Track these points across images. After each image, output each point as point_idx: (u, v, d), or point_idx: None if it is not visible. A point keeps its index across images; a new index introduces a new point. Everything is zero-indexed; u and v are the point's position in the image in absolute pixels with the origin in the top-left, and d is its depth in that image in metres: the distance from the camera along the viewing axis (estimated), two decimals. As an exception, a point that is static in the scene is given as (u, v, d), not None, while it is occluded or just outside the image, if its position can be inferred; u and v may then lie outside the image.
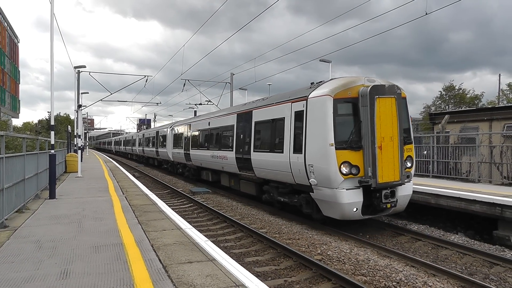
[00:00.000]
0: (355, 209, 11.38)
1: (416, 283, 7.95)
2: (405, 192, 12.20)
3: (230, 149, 18.68)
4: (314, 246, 10.60)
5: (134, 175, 26.66)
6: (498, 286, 8.29)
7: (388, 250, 10.33)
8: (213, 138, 21.78)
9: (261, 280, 6.09)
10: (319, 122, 11.79)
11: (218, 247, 7.71)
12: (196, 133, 25.05)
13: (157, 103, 50.77)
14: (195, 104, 43.49)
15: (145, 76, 32.08)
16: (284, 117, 13.77)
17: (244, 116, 17.45)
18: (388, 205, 11.67)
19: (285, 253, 9.87)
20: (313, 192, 12.33)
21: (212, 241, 8.43)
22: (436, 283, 8.01)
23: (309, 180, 12.18)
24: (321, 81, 13.05)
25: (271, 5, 17.83)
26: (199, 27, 45.29)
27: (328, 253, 9.99)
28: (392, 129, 11.51)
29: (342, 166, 11.22)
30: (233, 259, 6.93)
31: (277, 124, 14.28)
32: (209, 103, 38.81)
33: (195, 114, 46.36)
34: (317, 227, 12.95)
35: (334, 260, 9.45)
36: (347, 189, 11.28)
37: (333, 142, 11.27)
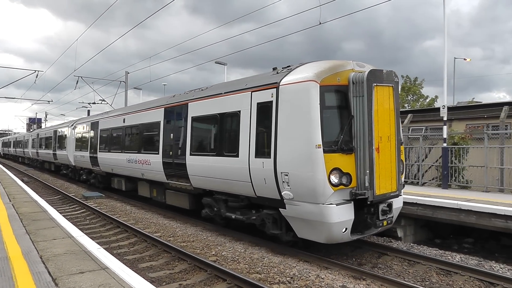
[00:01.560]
0: (344, 230, 8.71)
1: (309, 276, 8.30)
2: (397, 204, 9.80)
3: (154, 152, 15.14)
4: (209, 248, 10.69)
5: (23, 180, 24.49)
6: (385, 273, 8.86)
7: (281, 248, 10.33)
8: (131, 138, 18.08)
9: (156, 286, 6.31)
10: (300, 116, 8.93)
11: (112, 254, 7.65)
12: (107, 132, 20.83)
13: (49, 101, 48.05)
14: (89, 103, 41.54)
15: (35, 71, 29.27)
16: (239, 111, 10.70)
17: (176, 111, 14.07)
18: (385, 223, 9.17)
19: (180, 256, 9.78)
20: (284, 208, 9.44)
21: (105, 249, 8.27)
22: (328, 275, 8.40)
23: (280, 192, 9.30)
24: (289, 66, 10.20)
25: (168, 3, 16.55)
26: (94, 20, 41.25)
27: (223, 253, 10.13)
28: (390, 126, 9.04)
29: (331, 174, 8.47)
30: (127, 266, 6.83)
31: (227, 120, 11.26)
32: (103, 102, 36.13)
33: (88, 114, 43.97)
34: (211, 228, 12.85)
35: (229, 260, 9.59)
36: (337, 205, 8.55)
37: (321, 143, 8.46)
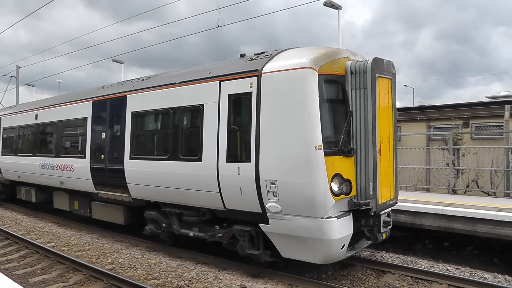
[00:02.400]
0: (342, 247, 7.39)
1: (208, 278, 8.37)
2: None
3: (79, 155, 12.67)
4: (105, 256, 10.36)
5: None
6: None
7: (179, 251, 10.32)
8: (46, 139, 15.22)
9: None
10: (292, 111, 7.40)
11: None
12: (12, 132, 17.52)
13: None
14: (-25, 100, 36.66)
15: None
16: (201, 105, 8.83)
17: (109, 104, 11.64)
18: (384, 235, 8.01)
19: (75, 266, 9.34)
20: (267, 224, 7.87)
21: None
22: (226, 275, 8.48)
23: (263, 204, 7.73)
24: (263, 52, 8.69)
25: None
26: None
27: (120, 260, 9.91)
28: (389, 124, 7.91)
29: (332, 181, 7.09)
30: (16, 282, 5.91)
31: (184, 116, 9.37)
32: (-9, 98, 31.95)
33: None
34: (108, 235, 12.40)
35: (126, 267, 9.38)
36: (337, 218, 7.19)
37: (321, 144, 7.03)
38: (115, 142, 11.28)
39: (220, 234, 8.86)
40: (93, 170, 11.94)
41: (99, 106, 12.10)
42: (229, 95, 8.31)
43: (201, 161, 8.65)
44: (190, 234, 9.45)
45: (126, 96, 10.97)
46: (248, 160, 7.85)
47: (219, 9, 14.84)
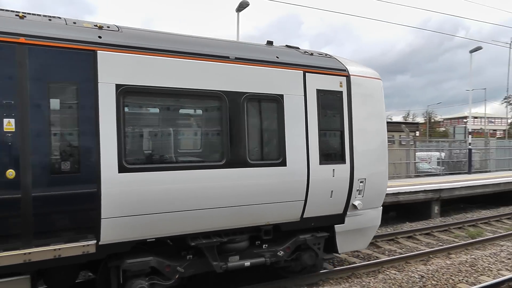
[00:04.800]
0: None
1: None
2: None
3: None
4: None
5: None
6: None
7: None
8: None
9: None
10: (376, 114, 8.48)
11: None
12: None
13: None
14: None
15: None
16: (280, 95, 7.29)
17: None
18: None
19: None
20: (342, 223, 8.14)
21: None
22: None
23: (348, 204, 8.08)
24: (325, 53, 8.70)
25: None
26: None
27: None
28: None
29: None
30: None
31: (252, 107, 7.16)
32: None
33: None
34: None
35: None
36: None
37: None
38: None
39: (283, 252, 7.65)
40: None
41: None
42: (318, 90, 7.69)
43: (286, 166, 7.26)
44: (246, 264, 7.25)
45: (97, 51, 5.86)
46: (343, 161, 7.88)
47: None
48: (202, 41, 7.20)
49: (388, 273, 9.06)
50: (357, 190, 8.04)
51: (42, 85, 5.50)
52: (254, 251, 7.49)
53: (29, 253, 5.48)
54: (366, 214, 8.27)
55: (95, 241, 5.89)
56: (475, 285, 8.02)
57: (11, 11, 5.92)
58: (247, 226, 7.20)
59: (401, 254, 10.51)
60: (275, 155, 7.27)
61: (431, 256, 10.44)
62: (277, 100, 7.29)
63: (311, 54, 8.19)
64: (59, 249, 5.67)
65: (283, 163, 7.24)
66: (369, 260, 9.87)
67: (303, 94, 7.54)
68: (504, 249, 10.98)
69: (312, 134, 7.58)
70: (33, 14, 6.04)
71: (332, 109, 7.96)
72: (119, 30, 6.38)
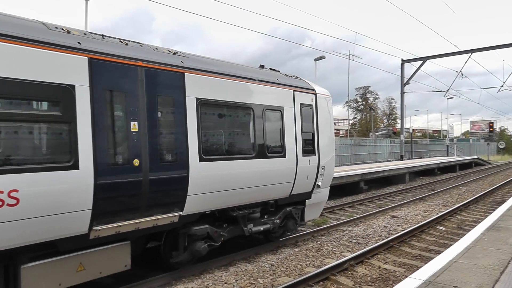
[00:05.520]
0: None
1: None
2: None
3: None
4: None
5: None
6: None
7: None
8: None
9: None
10: (329, 122, 12.15)
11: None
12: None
13: None
14: None
15: None
16: (282, 107, 10.33)
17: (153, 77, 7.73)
18: None
19: None
20: (310, 198, 11.52)
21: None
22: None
23: (315, 184, 11.44)
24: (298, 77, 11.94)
25: None
26: None
27: None
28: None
29: None
30: None
31: (267, 116, 10.01)
32: None
33: None
34: None
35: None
36: None
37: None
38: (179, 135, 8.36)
39: (278, 220, 10.55)
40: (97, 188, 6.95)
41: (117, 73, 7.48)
42: (301, 104, 10.90)
43: (285, 157, 10.28)
44: (261, 229, 10.05)
45: (184, 73, 8.13)
46: (314, 154, 11.26)
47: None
48: (236, 65, 10.07)
49: (239, 265, 9.40)
50: (320, 174, 11.46)
51: (154, 97, 7.41)
52: (262, 220, 10.19)
53: (140, 222, 7.24)
54: (322, 191, 11.90)
55: (180, 213, 7.92)
56: (321, 267, 9.00)
57: (115, 38, 7.60)
58: (261, 201, 9.95)
59: (251, 247, 10.56)
60: (279, 150, 10.20)
61: (280, 246, 11.07)
62: (281, 111, 10.26)
63: (291, 76, 11.35)
64: (157, 219, 7.53)
65: (284, 155, 10.26)
66: (221, 256, 9.65)
67: (293, 107, 10.64)
68: (346, 233, 12.53)
69: (298, 135, 10.70)
70: (128, 40, 7.79)
71: (307, 117, 11.15)
72: (185, 56, 8.48)
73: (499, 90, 38.74)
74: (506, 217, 11.20)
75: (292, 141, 10.47)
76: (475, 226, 10.52)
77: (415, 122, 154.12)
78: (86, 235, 6.59)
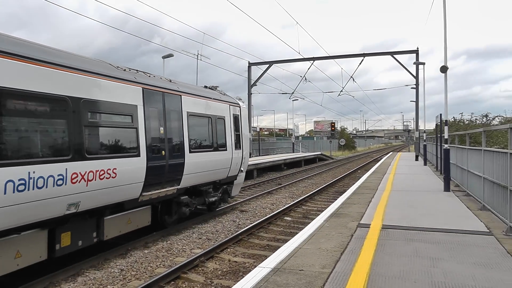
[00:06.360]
0: None
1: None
2: None
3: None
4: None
5: None
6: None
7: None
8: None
9: None
10: (246, 124, 17.45)
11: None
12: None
13: None
14: None
15: None
16: (224, 117, 15.15)
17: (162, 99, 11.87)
18: None
19: None
20: (236, 180, 16.25)
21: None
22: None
23: (239, 169, 16.21)
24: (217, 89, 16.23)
25: None
26: None
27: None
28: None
29: None
30: None
31: (218, 122, 14.65)
32: None
33: None
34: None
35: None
36: None
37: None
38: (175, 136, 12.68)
39: (220, 194, 15.12)
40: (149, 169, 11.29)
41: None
42: (233, 114, 15.80)
43: (227, 150, 15.10)
44: (214, 199, 14.55)
45: (181, 96, 12.52)
46: (240, 148, 16.22)
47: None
48: (203, 89, 14.93)
49: (87, 274, 8.77)
50: (243, 163, 16.37)
51: (169, 111, 11.64)
52: (211, 194, 14.46)
53: (160, 192, 11.10)
54: (241, 175, 16.71)
55: (178, 187, 11.94)
56: (172, 267, 8.84)
57: (145, 72, 11.64)
58: (213, 180, 14.35)
59: (100, 253, 9.88)
60: (224, 145, 14.90)
61: (129, 248, 10.53)
62: (224, 119, 15.07)
63: (225, 94, 16.15)
64: (167, 190, 11.42)
65: (226, 149, 15.04)
66: (66, 266, 8.88)
67: (230, 116, 15.52)
68: (196, 230, 12.57)
69: (232, 135, 15.48)
70: (152, 74, 12.04)
71: (236, 123, 16.11)
72: (178, 83, 12.84)
73: (339, 94, 41.93)
74: (346, 204, 12.03)
75: (230, 139, 15.25)
76: (319, 214, 11.06)
77: (263, 121, 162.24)
78: (137, 199, 10.24)
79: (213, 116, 13.97)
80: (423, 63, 34.84)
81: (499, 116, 30.32)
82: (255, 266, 7.09)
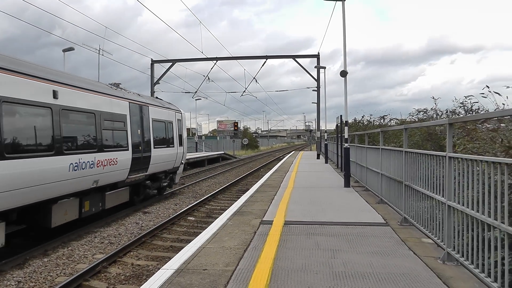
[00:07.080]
0: None
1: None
2: None
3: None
4: None
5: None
6: None
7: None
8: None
9: None
10: (185, 127, 21.99)
11: None
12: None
13: None
14: None
15: None
16: (172, 121, 19.61)
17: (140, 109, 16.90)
18: None
19: None
20: (178, 170, 20.84)
21: None
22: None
23: (180, 162, 20.72)
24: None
25: None
26: None
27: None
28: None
29: None
30: None
31: (168, 126, 19.16)
32: None
33: None
34: None
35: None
36: None
37: None
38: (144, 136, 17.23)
39: (169, 181, 19.63)
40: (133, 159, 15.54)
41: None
42: (177, 119, 20.38)
43: (174, 147, 19.48)
44: (165, 184, 19.19)
45: (148, 106, 17.54)
46: (182, 145, 20.54)
47: None
48: (160, 101, 20.82)
49: None
50: (183, 156, 20.81)
51: (142, 118, 16.33)
52: (163, 180, 18.90)
53: (137, 176, 15.58)
54: (181, 166, 21.12)
55: (146, 173, 16.33)
56: (73, 275, 8.39)
57: (130, 90, 16.86)
58: (164, 170, 18.63)
59: None
60: (172, 143, 19.35)
61: (27, 258, 9.76)
62: (172, 123, 19.47)
63: (170, 103, 20.71)
64: (140, 175, 15.77)
65: (173, 146, 19.48)
66: None
67: (175, 120, 19.99)
68: (98, 235, 12.07)
69: (177, 135, 19.87)
70: (131, 91, 17.08)
71: (179, 125, 20.55)
72: (144, 96, 18.37)
73: (242, 95, 42.54)
74: (249, 202, 12.10)
75: (176, 138, 19.69)
76: (223, 213, 11.03)
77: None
78: (124, 180, 14.42)
79: (167, 121, 18.77)
80: (324, 67, 36.61)
81: (394, 119, 32.41)
82: (159, 269, 6.87)
